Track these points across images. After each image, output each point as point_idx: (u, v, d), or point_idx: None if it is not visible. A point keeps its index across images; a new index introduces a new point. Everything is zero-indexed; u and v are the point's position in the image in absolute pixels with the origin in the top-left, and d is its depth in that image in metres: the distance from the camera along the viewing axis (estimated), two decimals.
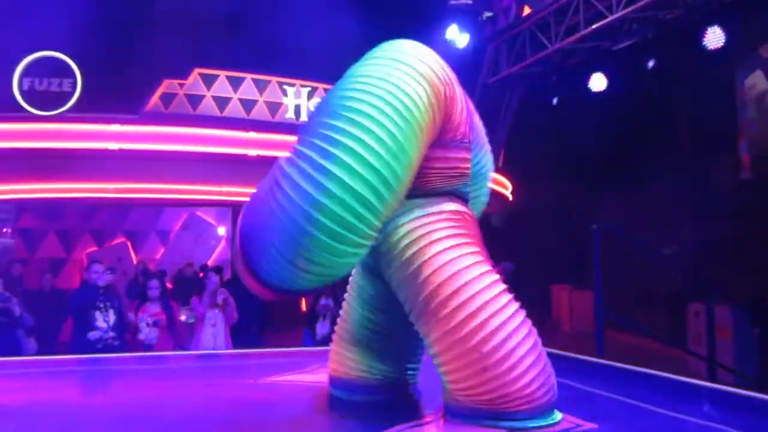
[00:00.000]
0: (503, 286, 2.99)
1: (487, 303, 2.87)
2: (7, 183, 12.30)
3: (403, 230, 3.03)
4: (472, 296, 2.87)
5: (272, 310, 8.39)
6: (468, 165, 3.28)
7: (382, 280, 3.22)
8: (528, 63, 11.97)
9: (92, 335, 5.89)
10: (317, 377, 4.11)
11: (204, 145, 10.53)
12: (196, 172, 10.51)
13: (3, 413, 3.54)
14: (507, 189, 14.94)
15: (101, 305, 6.00)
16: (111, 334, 5.95)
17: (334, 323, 3.89)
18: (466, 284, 2.89)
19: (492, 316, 2.86)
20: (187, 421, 3.40)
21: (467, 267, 2.93)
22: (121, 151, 9.92)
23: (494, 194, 14.92)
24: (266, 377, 4.51)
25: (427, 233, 3.01)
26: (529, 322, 2.99)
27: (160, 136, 10.44)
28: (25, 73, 11.10)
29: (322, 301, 7.04)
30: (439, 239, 3.00)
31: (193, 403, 3.49)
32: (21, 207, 13.07)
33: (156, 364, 5.71)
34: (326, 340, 4.64)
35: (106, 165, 10.37)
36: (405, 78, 2.90)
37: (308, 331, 7.21)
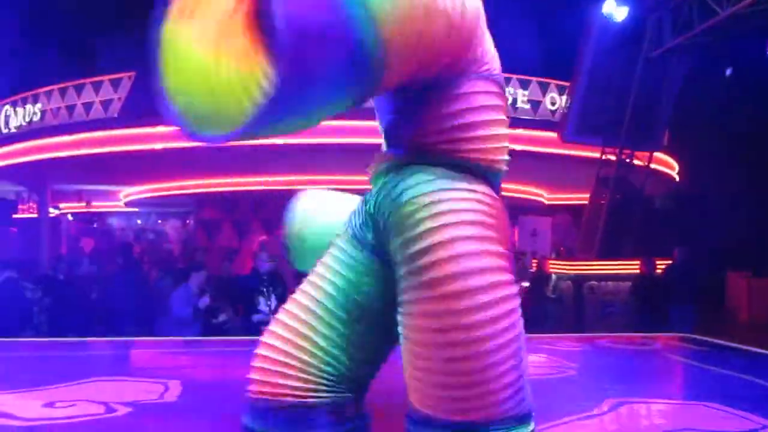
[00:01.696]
0: (512, 306, 2.33)
1: (487, 321, 2.27)
2: (189, 179, 13.66)
3: (422, 200, 2.34)
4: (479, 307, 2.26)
5: None
6: (503, 123, 2.46)
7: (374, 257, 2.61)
8: (696, 32, 11.06)
9: (256, 318, 6.38)
10: None
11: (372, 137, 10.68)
12: (359, 162, 10.79)
13: (186, 384, 4.00)
14: (673, 170, 14.02)
15: (264, 290, 6.50)
16: (272, 317, 6.38)
17: None
18: (476, 290, 2.27)
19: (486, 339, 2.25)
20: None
21: (484, 270, 2.29)
22: (286, 145, 10.53)
23: (659, 175, 14.08)
24: None
25: (452, 211, 2.33)
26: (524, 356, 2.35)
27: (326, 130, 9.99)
28: None
29: None
30: (464, 223, 2.33)
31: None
32: (201, 200, 14.43)
33: None
34: None
35: (273, 159, 11.12)
36: None
37: None
